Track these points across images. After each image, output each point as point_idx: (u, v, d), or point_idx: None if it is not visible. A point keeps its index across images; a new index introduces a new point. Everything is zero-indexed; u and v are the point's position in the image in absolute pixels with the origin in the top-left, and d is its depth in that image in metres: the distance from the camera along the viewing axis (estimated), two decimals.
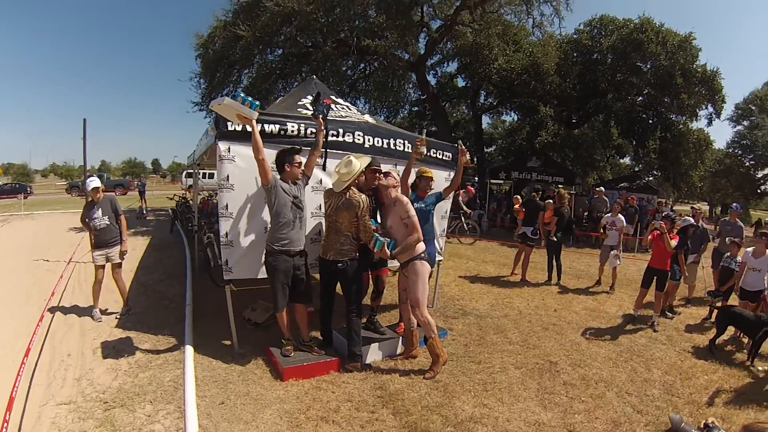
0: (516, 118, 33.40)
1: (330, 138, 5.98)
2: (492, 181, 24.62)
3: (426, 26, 20.90)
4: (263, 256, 5.47)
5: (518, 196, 15.58)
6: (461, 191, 16.66)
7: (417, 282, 5.37)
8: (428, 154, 7.12)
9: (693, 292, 9.71)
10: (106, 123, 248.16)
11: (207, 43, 19.45)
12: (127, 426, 4.28)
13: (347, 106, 7.32)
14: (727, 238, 9.55)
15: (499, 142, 42.06)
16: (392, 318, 7.26)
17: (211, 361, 5.62)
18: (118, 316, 7.36)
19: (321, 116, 5.49)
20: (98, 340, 6.37)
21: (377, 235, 5.30)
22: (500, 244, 16.16)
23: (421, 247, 5.44)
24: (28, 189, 41.89)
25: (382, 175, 5.61)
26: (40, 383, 5.08)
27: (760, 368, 6.25)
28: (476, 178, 29.53)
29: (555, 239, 10.57)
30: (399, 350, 6.10)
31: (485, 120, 35.76)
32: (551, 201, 11.03)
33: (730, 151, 40.91)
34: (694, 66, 22.79)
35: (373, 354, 5.84)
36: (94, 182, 7.23)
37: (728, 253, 8.37)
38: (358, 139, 6.27)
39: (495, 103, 29.72)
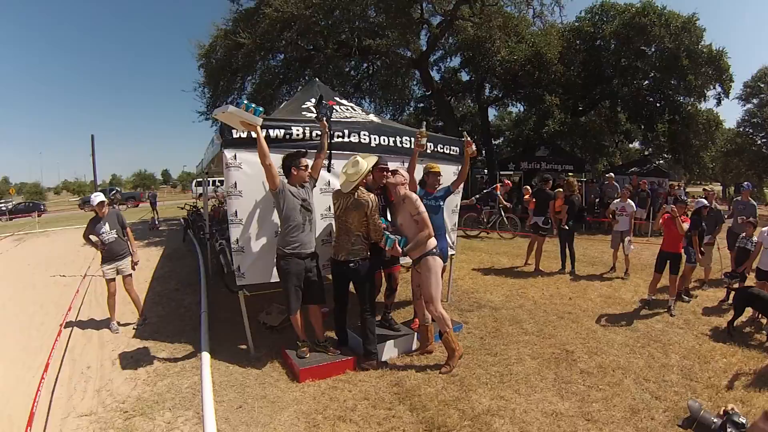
0: (522, 109, 33.23)
1: (336, 139, 6.00)
2: (501, 172, 24.51)
3: (426, 23, 20.88)
4: (275, 260, 5.50)
5: (528, 187, 15.50)
6: (498, 185, 16.57)
7: (430, 277, 5.37)
8: (436, 149, 7.14)
9: (709, 275, 9.60)
10: (114, 137, 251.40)
11: (209, 53, 19.57)
12: None
13: (351, 107, 7.33)
14: (739, 218, 9.48)
15: (507, 133, 41.93)
16: (407, 314, 7.27)
17: (228, 366, 5.67)
18: (135, 327, 7.42)
19: (325, 118, 5.50)
20: (116, 351, 6.44)
21: (388, 233, 5.31)
22: (513, 235, 16.11)
23: (432, 242, 5.44)
24: (42, 207, 42.36)
25: (389, 173, 5.62)
26: (61, 396, 5.17)
27: None
28: (486, 171, 29.43)
29: (567, 228, 10.53)
30: (415, 346, 6.11)
31: (491, 112, 35.67)
32: (561, 189, 10.98)
33: (741, 129, 40.48)
34: (700, 47, 22.63)
35: (389, 351, 5.86)
36: (99, 197, 7.30)
37: (744, 234, 8.28)
38: (364, 139, 6.28)
39: (500, 95, 29.59)
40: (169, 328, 7.33)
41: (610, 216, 10.80)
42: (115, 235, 7.28)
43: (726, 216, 10.48)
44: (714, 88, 24.67)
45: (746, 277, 8.03)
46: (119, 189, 52.72)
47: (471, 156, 6.42)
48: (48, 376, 5.06)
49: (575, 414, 4.50)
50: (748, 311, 7.04)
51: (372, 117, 7.23)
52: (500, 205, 16.34)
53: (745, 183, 10.93)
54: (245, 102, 4.92)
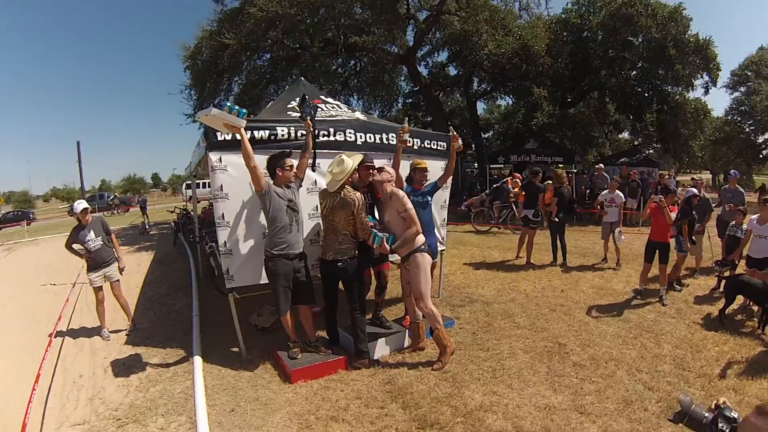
0: (511, 102, 33.31)
1: (321, 138, 5.97)
2: (491, 166, 24.56)
3: (413, 18, 20.81)
4: (263, 262, 5.47)
5: (517, 180, 15.50)
6: (509, 179, 16.45)
7: (419, 274, 5.36)
8: (423, 145, 7.13)
9: (700, 263, 9.64)
10: (102, 143, 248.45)
11: (194, 54, 19.43)
12: None
13: (337, 105, 7.30)
14: (727, 205, 9.53)
15: (496, 126, 41.96)
16: (398, 311, 7.26)
17: (220, 370, 5.65)
18: (127, 333, 7.38)
19: (309, 117, 5.46)
20: (108, 358, 6.41)
21: (375, 231, 5.31)
22: (504, 229, 16.11)
23: (420, 239, 5.43)
24: (31, 215, 42.11)
25: (375, 170, 5.61)
26: (54, 405, 5.13)
27: None
28: (476, 164, 29.47)
29: (557, 220, 10.54)
30: (406, 343, 6.10)
31: (480, 106, 35.68)
32: (550, 182, 10.99)
33: (729, 118, 40.53)
34: (687, 36, 22.72)
35: (381, 349, 5.85)
36: (81, 204, 7.22)
37: (733, 222, 8.30)
38: (350, 137, 6.25)
39: (489, 89, 29.53)
40: (160, 333, 7.29)
41: (599, 207, 10.82)
42: (101, 242, 7.22)
43: (714, 204, 10.52)
44: (701, 77, 24.81)
45: (737, 265, 8.07)
46: (117, 194, 52.44)
47: (458, 150, 6.42)
48: (41, 385, 5.06)
49: (568, 407, 4.50)
50: (740, 299, 7.07)
51: (358, 114, 7.19)
52: (512, 200, 16.20)
53: (732, 171, 11.02)
54: (228, 104, 4.90)
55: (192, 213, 14.60)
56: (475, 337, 6.33)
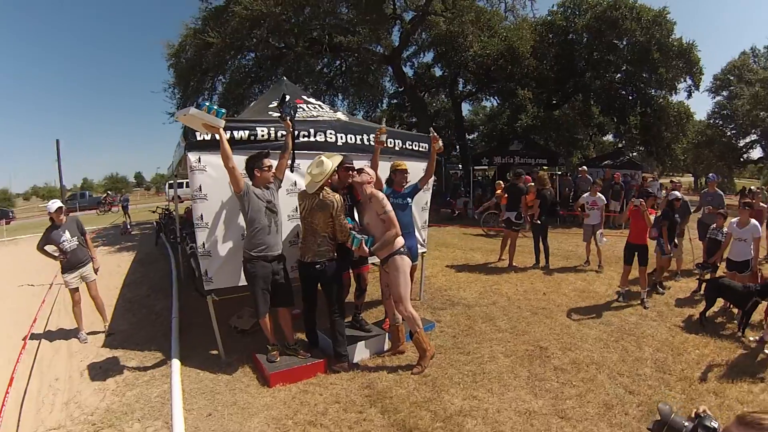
0: (496, 104, 33.37)
1: (301, 138, 5.91)
2: (475, 167, 24.60)
3: (399, 18, 20.81)
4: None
5: (500, 182, 15.50)
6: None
7: (398, 277, 5.32)
8: (404, 146, 7.11)
9: (681, 265, 9.72)
10: (85, 141, 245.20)
11: (178, 52, 19.22)
12: None
13: (319, 105, 7.25)
14: (706, 208, 9.63)
15: (481, 128, 41.97)
16: (378, 314, 7.23)
17: (199, 373, 5.58)
18: (107, 335, 7.30)
19: (288, 117, 5.41)
20: (85, 361, 6.31)
21: (354, 233, 5.27)
22: (487, 231, 16.11)
23: (400, 241, 5.39)
24: (11, 214, 41.47)
25: (355, 172, 5.57)
26: (30, 409, 5.04)
27: (751, 339, 6.24)
28: (460, 166, 29.50)
29: (539, 222, 10.56)
30: (386, 347, 6.07)
31: (465, 107, 35.74)
32: (533, 184, 11.01)
33: (711, 121, 40.97)
34: (670, 40, 23.00)
35: (360, 352, 5.81)
36: (56, 204, 7.09)
37: (714, 225, 8.35)
38: (330, 138, 6.19)
39: (474, 90, 29.58)
40: (139, 336, 7.20)
41: (579, 209, 10.86)
42: (77, 242, 7.09)
43: (694, 209, 10.60)
44: (684, 80, 25.15)
45: (717, 268, 8.13)
46: (109, 192, 51.86)
47: (438, 152, 6.37)
48: (17, 388, 5.08)
49: (549, 412, 4.49)
50: (720, 302, 7.13)
51: (339, 115, 7.14)
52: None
53: (711, 174, 11.16)
54: (207, 104, 4.84)
55: (174, 213, 14.49)
56: (456, 341, 6.31)
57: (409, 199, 6.23)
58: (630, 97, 26.16)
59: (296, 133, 5.75)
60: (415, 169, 6.61)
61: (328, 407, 4.66)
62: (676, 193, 9.00)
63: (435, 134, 6.40)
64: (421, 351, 5.41)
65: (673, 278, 9.34)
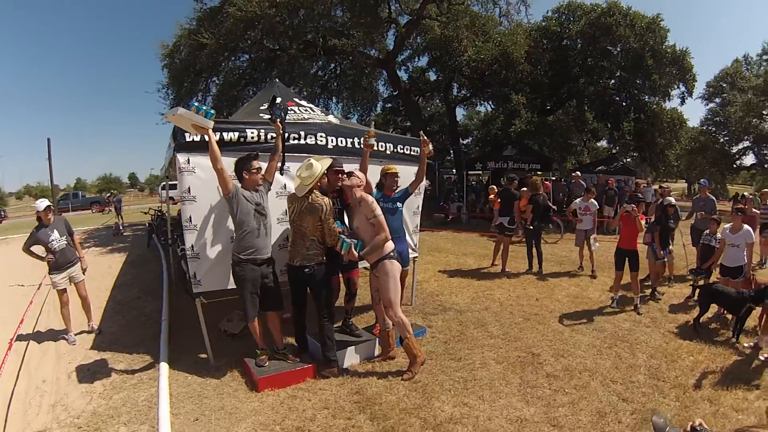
0: (490, 109, 33.38)
1: (292, 141, 5.87)
2: (469, 172, 24.61)
3: (394, 22, 20.81)
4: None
5: (493, 187, 15.49)
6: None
7: (388, 282, 5.28)
8: (396, 150, 7.07)
9: (672, 270, 9.70)
10: (79, 141, 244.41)
11: (173, 53, 19.15)
12: None
13: (310, 108, 7.22)
14: (697, 213, 9.67)
15: (475, 133, 42.05)
16: (369, 319, 7.18)
17: (187, 377, 5.53)
18: (96, 334, 7.27)
19: (279, 119, 5.36)
20: (73, 363, 6.24)
21: (343, 237, 5.23)
22: (480, 236, 16.10)
23: (389, 246, 5.35)
24: (3, 213, 41.35)
25: (345, 175, 5.53)
26: (17, 411, 4.99)
27: (745, 345, 6.23)
28: (454, 170, 29.51)
29: (531, 228, 10.54)
30: (377, 352, 6.00)
31: (460, 112, 35.83)
32: (526, 189, 11.00)
33: (704, 128, 41.26)
34: (664, 47, 23.20)
35: (350, 358, 5.75)
36: (44, 203, 7.06)
37: (707, 230, 8.35)
38: (321, 141, 6.15)
39: (468, 95, 29.66)
40: (128, 338, 7.11)
41: (571, 215, 10.86)
42: (65, 242, 7.05)
43: (686, 215, 10.61)
44: (678, 87, 25.38)
45: (711, 273, 8.12)
46: (114, 191, 51.65)
47: (428, 155, 6.33)
48: (4, 390, 5.09)
49: (541, 420, 4.45)
50: (714, 308, 7.12)
51: (331, 118, 7.10)
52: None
53: (702, 180, 11.19)
54: (195, 104, 4.81)
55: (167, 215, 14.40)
56: (447, 347, 6.26)
57: (399, 204, 6.20)
58: (624, 103, 26.32)
59: (286, 135, 5.71)
60: (407, 173, 6.59)
61: (316, 413, 4.61)
62: (671, 199, 9.01)
63: (425, 137, 6.36)
64: (412, 357, 5.36)
65: (666, 284, 9.33)
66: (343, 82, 24.49)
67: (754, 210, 10.14)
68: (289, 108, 6.09)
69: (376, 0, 17.88)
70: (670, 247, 8.90)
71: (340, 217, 5.78)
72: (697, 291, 7.42)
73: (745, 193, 16.55)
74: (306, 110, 6.96)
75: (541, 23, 25.12)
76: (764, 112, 34.52)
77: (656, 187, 18.31)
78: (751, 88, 34.16)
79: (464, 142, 39.00)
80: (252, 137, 5.64)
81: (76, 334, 7.19)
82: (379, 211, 5.26)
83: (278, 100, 5.46)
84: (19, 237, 22.29)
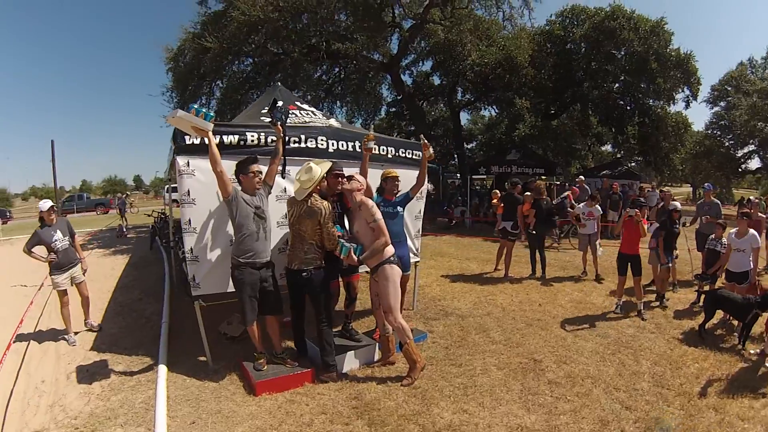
0: (494, 113, 33.37)
1: (292, 144, 5.86)
2: (473, 176, 24.58)
3: (398, 26, 20.81)
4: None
5: (497, 191, 15.44)
6: (569, 194, 15.92)
7: (388, 287, 5.24)
8: (397, 153, 7.06)
9: (675, 275, 9.62)
10: (84, 142, 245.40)
11: (177, 56, 19.27)
12: None
13: (312, 112, 7.20)
14: (703, 217, 9.59)
15: (479, 137, 42.05)
16: (370, 323, 7.12)
17: (185, 379, 5.51)
18: (97, 332, 7.33)
19: (279, 123, 5.34)
20: (72, 364, 6.25)
21: (343, 241, 5.20)
22: (483, 240, 16.06)
23: (390, 250, 5.32)
24: (8, 214, 41.62)
25: (344, 179, 5.51)
26: (16, 411, 5.00)
27: (751, 352, 6.14)
28: (458, 175, 29.48)
29: (533, 232, 10.50)
30: (376, 357, 5.97)
31: (464, 116, 35.75)
32: (529, 194, 10.96)
33: (709, 132, 41.11)
34: (668, 50, 23.11)
35: (350, 362, 5.72)
36: (47, 203, 7.10)
37: (713, 235, 8.28)
38: (321, 144, 6.14)
39: (472, 99, 29.59)
40: (128, 340, 7.11)
41: (575, 219, 10.81)
42: (68, 243, 7.12)
43: (690, 220, 10.53)
44: (682, 91, 25.28)
45: (717, 278, 8.03)
46: (128, 193, 51.82)
47: (429, 158, 6.30)
48: (3, 389, 5.12)
49: (541, 428, 4.39)
50: (719, 314, 7.04)
51: (331, 121, 7.09)
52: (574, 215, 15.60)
53: (706, 184, 11.10)
54: (195, 107, 4.80)
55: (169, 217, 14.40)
56: (448, 352, 6.21)
57: (399, 208, 6.17)
58: (628, 107, 26.23)
59: (287, 138, 5.70)
60: (408, 177, 6.54)
61: (314, 418, 4.57)
62: (676, 203, 8.94)
63: (425, 141, 6.33)
64: (411, 362, 5.32)
65: (671, 289, 9.25)
66: (347, 87, 24.53)
67: (759, 214, 10.06)
68: (290, 111, 6.06)
69: (379, 4, 17.87)
70: (676, 252, 8.83)
71: (341, 221, 5.76)
72: (702, 297, 7.34)
73: (751, 197, 16.45)
74: (307, 114, 6.95)
75: (545, 27, 25.06)
76: None
77: (658, 191, 18.20)
78: (756, 91, 33.99)
79: (468, 146, 38.98)
80: (252, 140, 5.63)
81: (75, 334, 7.21)
82: (379, 215, 5.23)
83: (279, 103, 5.45)
84: (23, 237, 22.31)
